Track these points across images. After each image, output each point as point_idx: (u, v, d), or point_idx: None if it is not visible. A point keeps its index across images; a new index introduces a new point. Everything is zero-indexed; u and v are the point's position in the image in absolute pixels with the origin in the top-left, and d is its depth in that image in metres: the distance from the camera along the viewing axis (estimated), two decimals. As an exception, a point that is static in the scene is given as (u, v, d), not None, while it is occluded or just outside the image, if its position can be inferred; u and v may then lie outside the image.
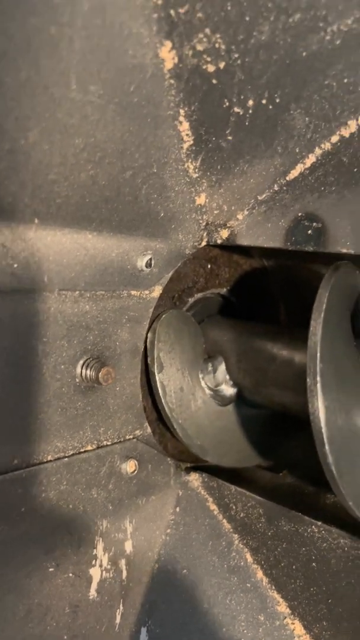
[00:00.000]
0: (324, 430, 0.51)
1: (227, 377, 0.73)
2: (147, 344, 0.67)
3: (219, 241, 0.68)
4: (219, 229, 0.67)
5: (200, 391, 0.72)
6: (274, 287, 0.85)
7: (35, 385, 0.55)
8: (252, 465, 0.80)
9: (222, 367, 0.73)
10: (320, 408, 0.51)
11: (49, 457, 0.57)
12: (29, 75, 0.43)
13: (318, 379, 0.51)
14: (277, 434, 0.81)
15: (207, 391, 0.73)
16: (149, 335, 0.67)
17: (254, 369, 0.71)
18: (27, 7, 0.40)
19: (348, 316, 0.60)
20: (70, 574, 0.59)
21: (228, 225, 0.67)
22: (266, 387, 0.70)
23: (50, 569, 0.58)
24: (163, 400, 0.67)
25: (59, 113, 0.46)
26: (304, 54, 0.50)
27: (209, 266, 0.75)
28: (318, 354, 0.51)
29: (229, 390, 0.73)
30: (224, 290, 0.78)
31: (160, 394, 0.67)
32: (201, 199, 0.63)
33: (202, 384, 0.73)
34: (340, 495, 0.54)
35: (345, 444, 0.54)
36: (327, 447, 0.51)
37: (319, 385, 0.51)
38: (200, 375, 0.73)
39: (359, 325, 0.64)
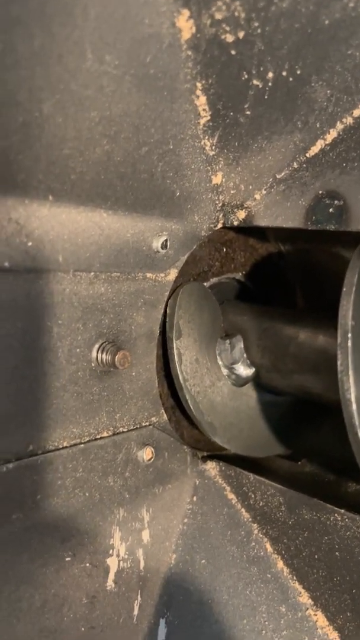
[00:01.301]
0: (352, 389, 0.49)
1: (245, 355, 0.71)
2: (168, 309, 0.66)
3: (235, 222, 0.66)
4: (235, 209, 0.65)
5: (215, 367, 0.71)
6: (290, 271, 0.83)
7: (51, 369, 0.53)
8: (262, 456, 0.78)
9: (240, 345, 0.71)
10: (350, 366, 0.49)
11: (65, 443, 0.55)
12: (43, 43, 0.42)
13: (349, 335, 0.49)
14: (292, 426, 0.79)
15: (223, 369, 0.71)
16: (170, 301, 0.66)
17: (274, 345, 0.69)
18: (42, -30, 0.38)
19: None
20: (87, 564, 0.58)
21: (245, 205, 0.65)
22: (285, 364, 0.68)
23: (67, 559, 0.56)
24: (178, 368, 0.66)
25: (73, 84, 0.44)
26: (327, 22, 0.48)
27: (225, 250, 0.73)
28: (350, 310, 0.49)
29: (245, 370, 0.71)
30: (239, 275, 0.76)
31: (176, 361, 0.65)
32: (218, 178, 0.61)
33: (219, 360, 0.71)
34: None
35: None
36: (354, 406, 0.50)
37: (349, 342, 0.49)
38: (217, 351, 0.71)
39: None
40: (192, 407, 0.67)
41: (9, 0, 0.39)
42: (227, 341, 0.72)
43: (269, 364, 0.70)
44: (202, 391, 0.69)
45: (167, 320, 0.66)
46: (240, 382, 0.72)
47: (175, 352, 0.66)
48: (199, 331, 0.68)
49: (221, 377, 0.72)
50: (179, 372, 0.66)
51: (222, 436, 0.70)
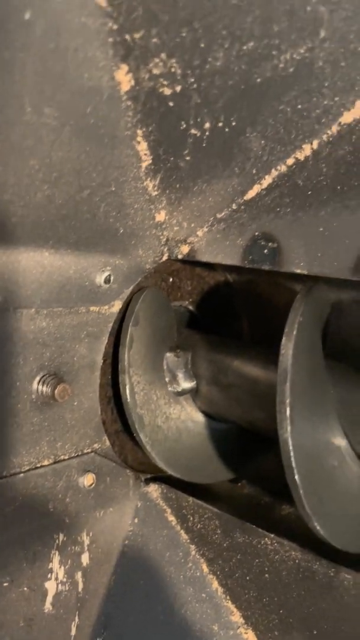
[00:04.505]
0: (292, 453, 0.52)
1: (189, 366, 0.74)
2: (131, 299, 0.67)
3: (179, 256, 0.68)
4: (179, 244, 0.68)
5: (160, 369, 0.73)
6: (237, 300, 0.86)
7: (-10, 403, 0.55)
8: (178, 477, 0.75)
9: (187, 356, 0.74)
10: (288, 427, 0.52)
11: (4, 473, 0.57)
12: (-18, 98, 0.43)
13: (287, 393, 0.52)
14: (221, 456, 0.79)
15: (167, 373, 0.73)
16: (135, 296, 0.68)
17: (218, 362, 0.71)
18: (-22, 33, 0.40)
19: (318, 336, 0.61)
20: (25, 588, 0.60)
21: (188, 241, 0.67)
22: (226, 378, 0.70)
23: (5, 584, 0.58)
24: (126, 353, 0.67)
25: (12, 135, 0.46)
26: (258, 80, 0.51)
27: (171, 279, 0.75)
28: (289, 374, 0.52)
29: (186, 380, 0.74)
30: (186, 303, 0.79)
31: (126, 345, 0.67)
32: (161, 216, 0.64)
33: (164, 364, 0.73)
34: (306, 517, 0.55)
35: (312, 463, 0.55)
36: (295, 470, 0.53)
37: (287, 404, 0.52)
38: (166, 354, 0.73)
39: (328, 345, 0.66)
40: (128, 395, 0.68)
41: None
42: (177, 350, 0.74)
43: (210, 378, 0.73)
44: (141, 382, 0.70)
45: (127, 309, 0.67)
46: (179, 390, 0.74)
47: (128, 337, 0.67)
48: (154, 329, 0.70)
49: (162, 379, 0.73)
50: (125, 357, 0.67)
51: (146, 434, 0.70)
